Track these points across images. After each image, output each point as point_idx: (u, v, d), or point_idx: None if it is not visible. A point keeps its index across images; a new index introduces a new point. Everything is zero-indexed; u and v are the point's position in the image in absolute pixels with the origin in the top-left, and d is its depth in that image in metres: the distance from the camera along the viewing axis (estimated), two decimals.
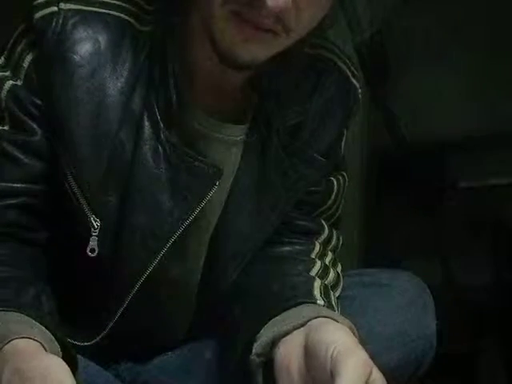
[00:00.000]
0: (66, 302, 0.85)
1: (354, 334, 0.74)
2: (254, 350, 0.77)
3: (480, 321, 1.79)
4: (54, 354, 0.70)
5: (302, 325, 0.75)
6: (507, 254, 1.92)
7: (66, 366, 0.67)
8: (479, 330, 1.79)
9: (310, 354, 0.71)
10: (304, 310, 0.78)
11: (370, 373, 0.67)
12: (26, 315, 0.73)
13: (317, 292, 0.85)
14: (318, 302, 0.82)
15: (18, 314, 0.73)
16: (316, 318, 0.75)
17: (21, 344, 0.68)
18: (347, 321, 0.77)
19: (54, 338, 0.73)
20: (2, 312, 0.73)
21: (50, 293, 0.83)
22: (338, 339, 0.69)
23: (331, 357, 0.67)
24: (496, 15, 1.94)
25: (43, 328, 0.73)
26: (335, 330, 0.72)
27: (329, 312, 0.78)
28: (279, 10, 0.73)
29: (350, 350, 0.67)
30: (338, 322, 0.75)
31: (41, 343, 0.70)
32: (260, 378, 0.77)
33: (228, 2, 0.75)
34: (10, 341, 0.68)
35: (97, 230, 0.84)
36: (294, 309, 0.79)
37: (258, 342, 0.77)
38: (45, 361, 0.67)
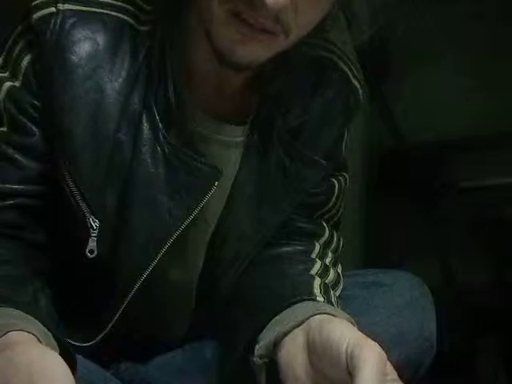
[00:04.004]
0: (65, 303, 0.85)
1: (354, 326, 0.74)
2: (256, 352, 0.77)
3: (480, 321, 1.79)
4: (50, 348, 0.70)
5: (302, 322, 0.75)
6: (507, 254, 1.92)
7: (61, 359, 0.66)
8: (479, 329, 1.80)
9: (317, 352, 0.71)
10: (303, 308, 0.78)
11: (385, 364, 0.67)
12: (23, 311, 0.73)
13: (317, 290, 0.85)
14: (318, 298, 0.82)
15: (14, 309, 0.73)
16: (315, 315, 0.75)
17: (15, 336, 0.68)
18: (346, 315, 0.77)
19: (50, 335, 0.72)
20: None
21: (47, 292, 0.83)
22: (345, 334, 0.68)
23: (345, 352, 0.67)
24: (496, 15, 1.94)
25: (40, 324, 0.72)
26: (339, 325, 0.71)
27: (327, 307, 0.78)
28: (278, 10, 0.73)
29: (363, 344, 0.66)
30: (336, 316, 0.75)
31: (36, 336, 0.69)
32: (263, 380, 0.77)
33: (227, 2, 0.75)
34: (3, 334, 0.68)
35: (96, 231, 0.84)
36: (293, 307, 0.79)
37: (261, 344, 0.77)
38: (39, 352, 0.67)
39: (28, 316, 0.72)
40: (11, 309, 0.73)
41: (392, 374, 0.68)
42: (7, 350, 0.66)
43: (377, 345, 0.66)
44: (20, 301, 0.75)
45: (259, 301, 0.85)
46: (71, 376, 0.64)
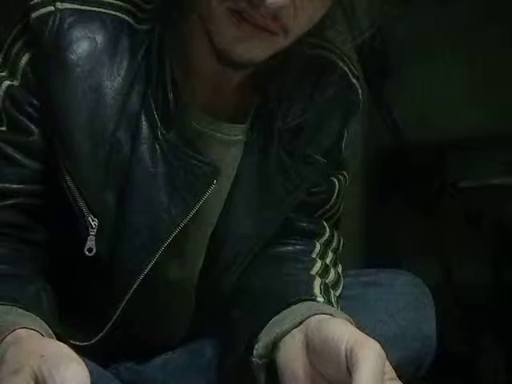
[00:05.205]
0: (65, 302, 0.85)
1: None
2: (255, 352, 0.77)
3: (480, 321, 1.79)
4: None
5: (301, 323, 0.75)
6: (507, 254, 1.92)
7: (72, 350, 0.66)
8: (479, 329, 1.79)
9: (316, 351, 0.71)
10: (302, 308, 0.78)
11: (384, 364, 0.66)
12: (27, 310, 0.73)
13: (317, 290, 0.85)
14: (318, 298, 0.82)
15: (18, 308, 0.73)
16: (314, 315, 0.75)
17: (23, 333, 0.68)
18: (345, 315, 0.77)
19: (53, 334, 0.73)
20: (3, 306, 0.73)
21: (49, 291, 0.83)
22: (345, 333, 0.68)
23: (345, 351, 0.66)
24: (496, 15, 1.94)
25: (43, 323, 0.73)
26: (338, 324, 0.71)
27: (326, 308, 0.78)
28: (278, 8, 0.73)
29: (363, 342, 0.66)
30: (335, 317, 0.75)
31: (41, 334, 0.70)
32: (263, 380, 0.77)
33: (227, 0, 0.75)
34: (11, 332, 0.68)
35: (94, 230, 0.84)
36: (293, 307, 0.79)
37: (260, 344, 0.77)
38: (48, 340, 0.68)
39: (32, 315, 0.73)
40: (16, 308, 0.73)
41: (391, 373, 0.68)
42: (17, 343, 0.66)
43: (376, 343, 0.66)
44: (23, 300, 0.75)
45: (259, 301, 0.85)
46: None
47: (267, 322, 0.79)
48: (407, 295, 0.94)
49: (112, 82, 0.82)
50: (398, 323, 0.91)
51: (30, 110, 0.83)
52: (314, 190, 0.96)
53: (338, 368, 0.67)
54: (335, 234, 1.00)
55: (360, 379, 0.63)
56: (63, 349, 0.64)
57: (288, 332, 0.75)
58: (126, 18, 0.84)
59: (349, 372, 0.66)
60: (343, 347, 0.67)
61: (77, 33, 0.82)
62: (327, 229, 0.99)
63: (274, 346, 0.76)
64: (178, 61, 0.84)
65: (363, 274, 0.99)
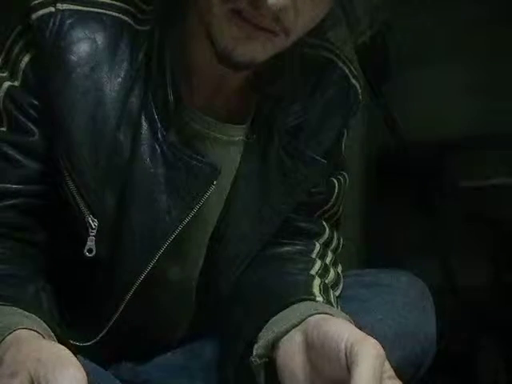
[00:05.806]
0: (65, 303, 0.85)
1: None
2: (254, 352, 0.77)
3: (480, 321, 1.79)
4: None
5: (300, 322, 0.75)
6: (507, 254, 1.92)
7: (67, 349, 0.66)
8: (479, 329, 1.80)
9: (316, 349, 0.71)
10: (302, 308, 0.78)
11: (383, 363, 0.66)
12: (27, 311, 0.73)
13: (316, 290, 0.85)
14: (317, 298, 0.82)
15: (18, 308, 0.73)
16: (313, 315, 0.75)
17: (23, 333, 0.68)
18: (344, 314, 0.77)
19: (53, 334, 0.73)
20: (3, 306, 0.73)
21: (49, 291, 0.83)
22: (344, 331, 0.68)
23: (345, 349, 0.66)
24: (496, 15, 1.94)
25: (43, 323, 0.73)
26: (338, 323, 0.71)
27: (325, 307, 0.78)
28: (279, 9, 0.73)
29: (363, 340, 0.66)
30: (334, 316, 0.75)
31: (41, 335, 0.70)
32: (262, 380, 0.77)
33: (228, 1, 0.75)
34: (11, 332, 0.68)
35: (94, 230, 0.84)
36: (292, 307, 0.79)
37: (259, 344, 0.77)
38: (47, 342, 0.68)
39: (32, 315, 0.73)
40: (16, 308, 0.73)
41: (390, 371, 0.68)
42: (17, 344, 0.66)
43: (376, 342, 0.66)
44: (23, 300, 0.76)
45: (259, 300, 0.85)
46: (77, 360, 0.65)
47: (267, 322, 0.79)
48: (407, 295, 0.94)
49: (112, 82, 0.82)
50: (398, 323, 0.91)
51: (30, 110, 0.83)
52: (313, 190, 0.96)
53: (338, 366, 0.67)
54: (335, 234, 1.00)
55: (359, 377, 0.63)
56: (62, 352, 0.64)
57: (287, 332, 0.75)
58: (127, 18, 0.84)
59: (348, 370, 0.66)
60: (343, 345, 0.67)
61: (77, 34, 0.82)
62: (327, 229, 0.99)
63: (274, 345, 0.76)
64: (178, 62, 0.84)
65: (363, 274, 0.99)
